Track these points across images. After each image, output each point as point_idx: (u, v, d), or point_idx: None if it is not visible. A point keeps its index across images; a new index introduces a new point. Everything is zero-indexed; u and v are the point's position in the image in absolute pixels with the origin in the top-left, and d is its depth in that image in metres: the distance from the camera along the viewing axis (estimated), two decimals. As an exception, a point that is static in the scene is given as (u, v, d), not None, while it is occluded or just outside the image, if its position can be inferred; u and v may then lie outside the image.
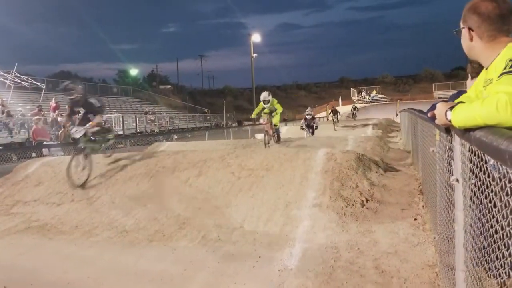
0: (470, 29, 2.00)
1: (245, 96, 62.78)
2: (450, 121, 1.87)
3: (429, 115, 2.23)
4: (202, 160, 7.48)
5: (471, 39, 2.01)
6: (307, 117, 17.32)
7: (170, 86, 60.51)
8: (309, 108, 17.84)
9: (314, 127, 17.32)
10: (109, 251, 5.05)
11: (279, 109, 12.39)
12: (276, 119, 12.38)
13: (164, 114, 36.52)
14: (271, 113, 12.21)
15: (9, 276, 4.37)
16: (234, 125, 39.70)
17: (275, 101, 12.52)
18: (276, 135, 12.49)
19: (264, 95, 12.29)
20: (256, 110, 12.68)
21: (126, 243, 5.24)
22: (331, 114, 25.34)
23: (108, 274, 4.31)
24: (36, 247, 5.32)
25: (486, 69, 1.99)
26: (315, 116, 22.69)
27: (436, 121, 2.09)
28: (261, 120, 12.27)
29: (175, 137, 25.13)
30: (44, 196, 7.22)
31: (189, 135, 28.32)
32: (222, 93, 63.21)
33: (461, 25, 2.05)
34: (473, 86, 2.20)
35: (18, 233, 5.93)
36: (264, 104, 12.15)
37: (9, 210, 6.97)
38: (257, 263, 4.25)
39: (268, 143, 11.86)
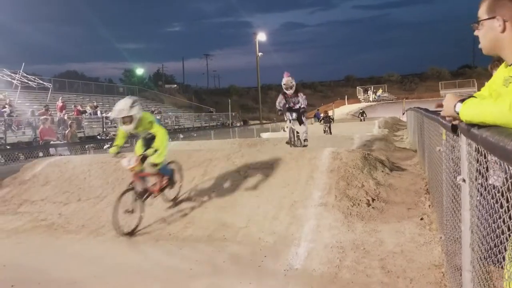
0: (503, 19, 1.83)
1: (251, 95, 62.72)
2: (457, 113, 1.80)
3: (435, 105, 2.16)
4: (208, 159, 7.50)
5: (503, 30, 1.84)
6: (287, 91, 9.49)
7: (175, 85, 60.70)
8: (285, 75, 9.51)
9: (303, 114, 9.66)
10: (115, 250, 5.07)
11: (160, 134, 5.79)
12: (156, 154, 5.70)
13: (170, 113, 36.63)
14: (147, 145, 5.91)
15: (16, 275, 4.41)
16: (239, 124, 39.74)
17: (149, 117, 5.91)
18: (162, 183, 6.11)
19: (122, 106, 5.59)
20: (119, 140, 6.04)
21: (132, 242, 5.27)
22: (323, 121, 20.47)
23: (115, 273, 4.32)
24: (43, 246, 5.36)
25: (508, 66, 1.87)
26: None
27: (442, 112, 2.01)
28: (124, 162, 5.68)
29: (181, 136, 25.17)
30: (51, 196, 7.27)
31: (195, 134, 28.37)
32: (228, 92, 63.26)
33: (485, 16, 1.90)
34: (488, 84, 2.09)
35: (25, 232, 5.98)
36: (125, 124, 5.63)
37: (16, 209, 7.03)
38: (263, 263, 4.26)
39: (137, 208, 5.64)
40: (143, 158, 5.70)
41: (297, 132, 9.61)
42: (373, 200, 5.59)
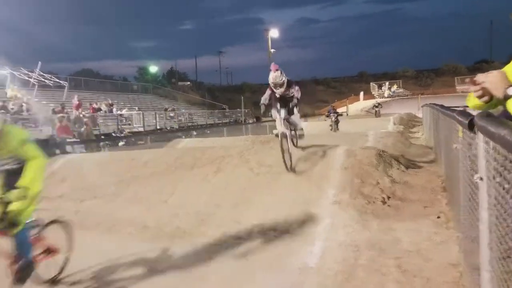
0: None
1: (263, 92, 62.71)
2: (507, 97, 1.64)
3: (469, 80, 1.92)
4: (221, 157, 7.52)
5: None
6: (276, 90, 6.95)
7: (189, 82, 60.87)
8: (272, 68, 6.97)
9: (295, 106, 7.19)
10: (131, 246, 5.13)
11: (35, 163, 3.48)
12: (22, 199, 3.36)
13: (183, 110, 36.76)
14: (10, 182, 3.51)
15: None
16: (252, 121, 39.73)
17: (19, 134, 3.57)
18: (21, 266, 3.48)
19: None
20: None
21: (147, 239, 5.32)
22: (330, 115, 19.77)
23: (131, 269, 4.38)
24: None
25: None
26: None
27: (486, 83, 1.80)
28: None
29: (194, 133, 25.32)
30: (68, 193, 7.37)
31: (208, 131, 28.51)
32: (241, 89, 63.22)
33: None
34: (507, 68, 1.93)
35: (43, 229, 6.07)
36: None
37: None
38: (276, 261, 4.25)
39: None
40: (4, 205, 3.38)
41: (288, 121, 7.08)
42: (388, 198, 5.54)
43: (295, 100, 7.07)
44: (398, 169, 6.88)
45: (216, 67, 74.26)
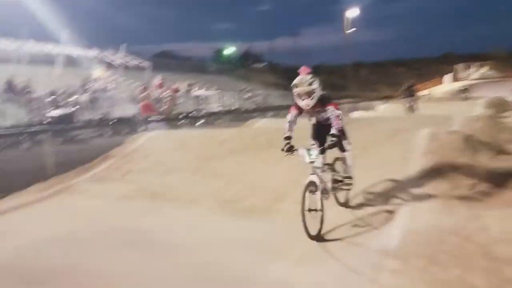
0: None
1: (341, 73, 61.20)
2: None
3: None
4: (297, 137, 7.50)
5: None
6: (301, 103, 4.80)
7: (264, 64, 61.14)
8: (302, 71, 4.93)
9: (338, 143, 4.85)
10: (212, 219, 5.39)
11: None
12: None
13: (259, 91, 37.12)
14: None
15: (125, 236, 4.89)
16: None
17: None
18: None
19: None
20: None
21: (227, 213, 5.54)
22: (406, 92, 18.16)
23: (212, 239, 4.62)
24: (147, 212, 5.86)
25: None
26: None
27: None
28: None
29: (270, 114, 25.46)
30: (152, 167, 7.85)
31: (284, 113, 28.52)
32: (317, 71, 62.27)
33: None
34: None
35: (132, 198, 6.57)
36: None
37: (122, 178, 7.71)
38: (356, 241, 4.23)
39: None
40: None
41: (333, 166, 5.12)
42: (475, 184, 5.22)
43: (334, 137, 4.64)
44: (486, 154, 6.43)
45: (292, 48, 73.65)
